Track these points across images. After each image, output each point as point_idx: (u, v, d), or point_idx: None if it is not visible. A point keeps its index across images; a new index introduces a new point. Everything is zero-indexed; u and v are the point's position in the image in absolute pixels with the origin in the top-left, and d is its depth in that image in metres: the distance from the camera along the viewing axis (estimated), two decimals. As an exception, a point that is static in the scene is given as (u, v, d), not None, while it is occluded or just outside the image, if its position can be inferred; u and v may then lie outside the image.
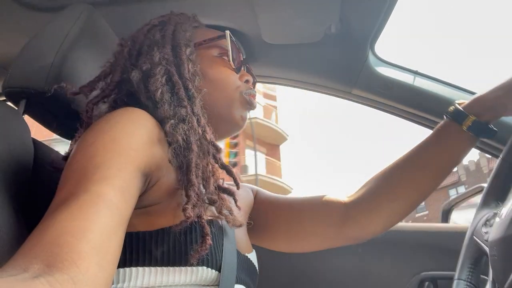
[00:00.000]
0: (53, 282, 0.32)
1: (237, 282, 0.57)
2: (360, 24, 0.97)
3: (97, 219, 0.40)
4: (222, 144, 0.62)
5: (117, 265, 0.42)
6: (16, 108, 0.69)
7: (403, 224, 1.11)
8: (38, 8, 0.95)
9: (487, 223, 0.60)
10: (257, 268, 0.68)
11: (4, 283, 0.31)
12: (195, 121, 0.58)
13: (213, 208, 0.58)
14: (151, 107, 0.59)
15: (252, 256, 0.67)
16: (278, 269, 1.08)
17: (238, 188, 0.67)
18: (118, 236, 0.43)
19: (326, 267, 1.10)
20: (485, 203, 0.65)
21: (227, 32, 0.71)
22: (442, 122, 0.70)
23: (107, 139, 0.49)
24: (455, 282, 0.63)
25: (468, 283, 0.62)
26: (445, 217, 1.45)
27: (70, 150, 0.60)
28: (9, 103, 0.70)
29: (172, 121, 0.56)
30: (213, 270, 0.53)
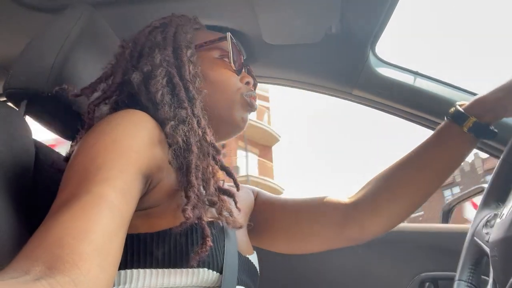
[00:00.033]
0: (54, 284, 0.33)
1: (238, 284, 0.57)
2: (361, 25, 0.97)
3: (98, 220, 0.40)
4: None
5: (118, 266, 0.42)
6: (17, 109, 0.69)
7: (403, 225, 1.11)
8: (39, 8, 0.95)
9: (487, 223, 0.60)
10: (258, 269, 0.68)
11: (6, 286, 0.31)
12: (195, 123, 0.58)
13: (213, 210, 0.58)
14: (152, 109, 0.59)
15: (253, 258, 0.67)
16: (278, 270, 1.08)
17: (238, 189, 0.67)
18: (120, 238, 0.43)
19: (326, 268, 1.10)
20: (485, 204, 0.65)
21: (228, 34, 0.72)
22: (442, 123, 0.70)
23: (108, 141, 0.49)
24: (455, 283, 0.63)
25: (469, 284, 0.62)
26: (446, 217, 1.45)
27: (72, 151, 0.60)
28: (10, 104, 0.70)
29: (172, 122, 0.56)
30: (214, 272, 0.53)
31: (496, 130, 0.67)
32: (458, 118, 0.67)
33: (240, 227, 0.61)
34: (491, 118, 0.66)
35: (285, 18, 0.95)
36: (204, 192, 0.56)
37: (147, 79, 0.62)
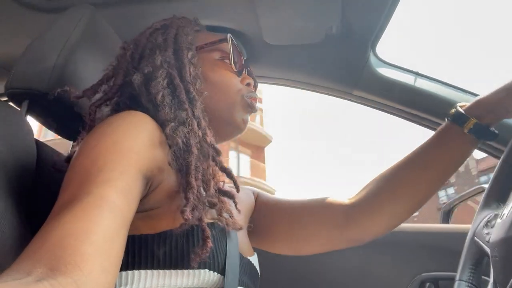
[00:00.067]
0: (56, 285, 0.33)
1: (239, 285, 0.57)
2: (362, 25, 0.97)
3: (100, 221, 0.40)
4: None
5: (120, 267, 0.42)
6: (19, 109, 0.69)
7: (403, 225, 1.11)
8: (40, 9, 0.96)
9: (488, 224, 0.60)
10: (258, 271, 0.68)
11: (8, 287, 0.31)
12: (196, 124, 0.58)
13: (213, 211, 0.58)
14: (152, 110, 0.59)
15: (254, 259, 0.67)
16: (279, 271, 1.08)
17: (238, 190, 0.67)
18: (121, 238, 0.43)
19: (327, 268, 1.10)
20: (486, 204, 0.65)
21: (229, 35, 0.72)
22: (443, 124, 0.70)
23: (109, 142, 0.49)
24: (456, 283, 0.63)
25: (469, 284, 0.62)
26: (446, 218, 1.45)
27: (73, 152, 0.61)
28: (11, 104, 0.70)
29: (173, 124, 0.56)
30: (216, 273, 0.53)
31: (497, 132, 0.67)
32: (459, 119, 0.67)
33: (240, 229, 0.61)
34: (491, 119, 0.66)
35: (286, 18, 0.95)
36: (204, 193, 0.56)
37: (147, 81, 0.62)
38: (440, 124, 0.71)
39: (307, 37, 1.01)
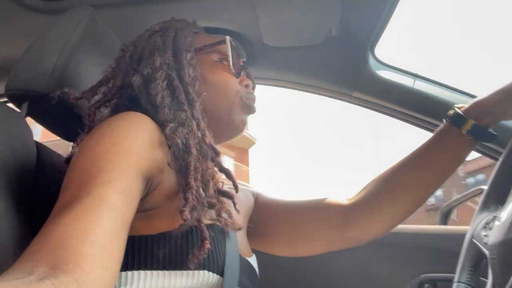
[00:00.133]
0: (57, 284, 0.33)
1: (239, 286, 0.57)
2: (361, 27, 0.97)
3: (100, 221, 0.41)
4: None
5: (120, 267, 0.42)
6: (19, 110, 0.69)
7: (403, 226, 1.11)
8: (40, 10, 0.96)
9: (486, 226, 0.61)
10: (257, 272, 0.68)
11: (10, 286, 0.31)
12: (195, 125, 0.58)
13: (212, 212, 0.58)
14: (152, 111, 0.60)
15: (253, 260, 0.67)
16: (278, 272, 1.08)
17: (237, 191, 0.67)
18: (121, 238, 0.43)
19: (326, 269, 1.10)
20: (484, 206, 0.65)
21: (227, 37, 0.72)
22: (441, 125, 0.70)
23: (109, 143, 0.50)
24: (454, 284, 0.63)
25: (467, 286, 0.62)
26: (444, 219, 1.45)
27: (72, 153, 0.61)
28: (11, 105, 0.70)
29: (172, 124, 0.57)
30: (215, 274, 0.53)
31: (495, 133, 0.67)
32: (457, 120, 0.67)
33: (239, 229, 0.61)
34: (490, 120, 0.66)
35: (286, 20, 0.95)
36: (203, 194, 0.56)
37: (147, 82, 0.62)
38: (439, 126, 0.72)
39: (306, 39, 1.01)
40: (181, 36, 0.69)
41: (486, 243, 0.56)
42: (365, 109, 1.14)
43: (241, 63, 0.76)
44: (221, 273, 0.54)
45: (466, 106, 0.68)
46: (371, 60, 1.05)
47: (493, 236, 0.53)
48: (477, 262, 0.62)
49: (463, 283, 0.62)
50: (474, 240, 0.62)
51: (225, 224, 0.58)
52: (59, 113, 0.72)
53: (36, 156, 0.64)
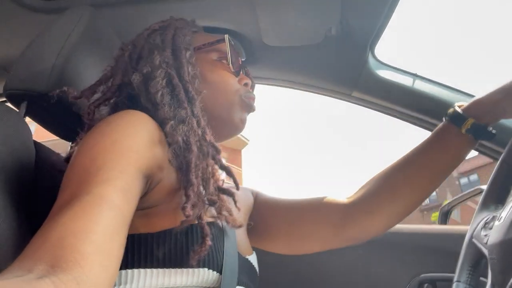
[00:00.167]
0: (57, 282, 0.33)
1: (238, 284, 0.57)
2: (360, 27, 0.97)
3: (99, 220, 0.40)
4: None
5: (119, 265, 0.42)
6: (18, 110, 0.69)
7: (402, 226, 1.11)
8: (39, 9, 0.96)
9: (486, 225, 0.60)
10: (257, 270, 0.69)
11: (9, 284, 0.31)
12: (195, 123, 0.59)
13: (212, 210, 0.58)
14: (152, 109, 0.60)
15: (253, 258, 0.68)
16: (278, 271, 1.08)
17: (237, 189, 0.67)
18: (121, 237, 0.43)
19: (326, 269, 1.10)
20: (484, 206, 0.65)
21: (226, 36, 0.72)
22: (441, 124, 0.70)
23: (108, 142, 0.49)
24: (454, 284, 0.63)
25: (467, 286, 0.62)
26: (444, 219, 1.45)
27: (72, 152, 0.61)
28: (10, 105, 0.70)
29: (172, 122, 0.57)
30: (215, 272, 0.53)
31: (494, 132, 0.67)
32: (457, 119, 0.67)
33: (240, 226, 0.61)
34: (489, 119, 0.66)
35: (285, 19, 0.95)
36: (203, 191, 0.56)
37: (146, 80, 0.62)
38: (438, 125, 0.72)
39: (306, 38, 1.01)
40: (180, 34, 0.69)
41: (485, 243, 0.56)
42: (365, 108, 1.14)
43: (240, 62, 0.76)
44: (220, 271, 0.54)
45: (465, 104, 0.68)
46: (371, 60, 1.05)
47: (493, 236, 0.53)
48: (477, 262, 0.62)
49: (463, 282, 0.62)
50: (474, 240, 0.62)
51: (226, 221, 0.58)
52: (58, 113, 0.72)
53: (35, 156, 0.64)
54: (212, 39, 0.73)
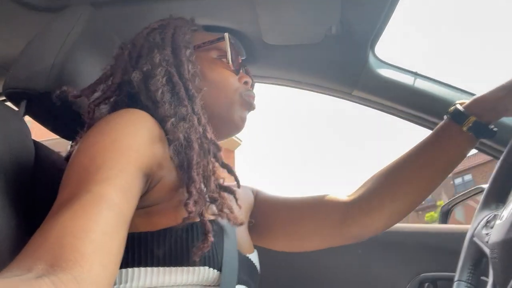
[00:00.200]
0: (56, 281, 0.33)
1: (238, 283, 0.57)
2: (361, 25, 0.97)
3: (99, 219, 0.40)
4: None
5: (119, 264, 0.42)
6: (17, 109, 0.69)
7: (403, 225, 1.11)
8: (39, 8, 0.95)
9: (487, 224, 0.60)
10: (258, 268, 0.68)
11: (8, 283, 0.31)
12: (196, 120, 0.59)
13: (213, 207, 0.58)
14: (152, 107, 0.60)
15: (254, 257, 0.67)
16: (279, 269, 1.08)
17: (238, 186, 0.67)
18: (121, 236, 0.43)
19: (326, 267, 1.10)
20: (485, 204, 0.65)
21: (226, 34, 0.72)
22: (442, 122, 0.70)
23: (108, 140, 0.49)
24: (455, 283, 0.63)
25: (468, 285, 0.62)
26: (444, 218, 1.45)
27: (72, 151, 0.61)
28: (9, 104, 0.70)
29: (173, 119, 0.57)
30: (215, 270, 0.53)
31: (495, 129, 0.67)
32: (458, 117, 0.67)
33: (241, 224, 0.61)
34: (491, 117, 0.66)
35: (285, 18, 0.95)
36: (204, 189, 0.56)
37: (146, 78, 0.62)
38: (439, 123, 0.71)
39: (306, 37, 1.01)
40: (180, 33, 0.69)
41: (487, 242, 0.56)
42: (365, 107, 1.13)
43: (240, 61, 0.76)
44: (220, 269, 0.54)
45: (467, 102, 0.68)
46: (371, 59, 1.05)
47: (494, 234, 0.53)
48: (478, 261, 0.62)
49: (464, 281, 0.62)
50: (475, 239, 0.61)
51: (228, 219, 0.58)
52: (58, 111, 0.72)
53: (34, 155, 0.64)
54: (212, 38, 0.73)
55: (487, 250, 0.55)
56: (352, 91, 1.09)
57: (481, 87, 0.70)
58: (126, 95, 0.66)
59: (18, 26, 1.01)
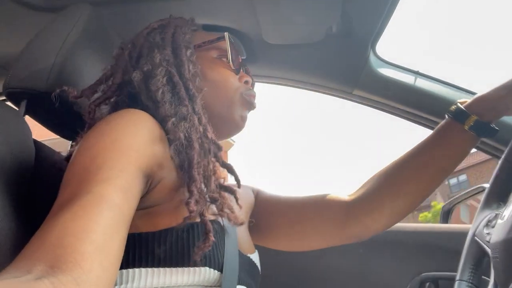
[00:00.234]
0: (56, 283, 0.33)
1: (239, 283, 0.57)
2: (362, 24, 0.97)
3: (99, 219, 0.40)
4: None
5: (120, 265, 0.42)
6: (17, 109, 0.69)
7: (404, 225, 1.11)
8: (39, 8, 0.95)
9: (488, 224, 0.60)
10: (259, 268, 0.68)
11: (8, 285, 0.31)
12: (196, 120, 0.59)
13: (214, 207, 0.58)
14: (152, 107, 0.60)
15: (255, 257, 0.67)
16: (279, 268, 1.08)
17: (239, 186, 0.67)
18: (121, 236, 0.43)
19: (327, 267, 1.10)
20: (486, 204, 0.65)
21: (226, 33, 0.72)
22: (443, 121, 0.70)
23: (108, 141, 0.49)
24: (456, 283, 0.63)
25: (469, 284, 0.62)
26: (445, 217, 1.45)
27: (72, 151, 0.61)
28: (9, 104, 0.70)
29: (173, 119, 0.57)
30: (216, 271, 0.53)
31: (497, 128, 0.67)
32: (459, 116, 0.67)
33: (242, 224, 0.61)
34: (492, 116, 0.66)
35: (286, 17, 0.94)
36: (205, 188, 0.56)
37: (147, 78, 0.62)
38: (440, 122, 0.71)
39: (307, 36, 1.01)
40: (180, 33, 0.69)
41: (488, 241, 0.56)
42: (366, 107, 1.13)
43: (240, 60, 0.76)
44: (221, 270, 0.54)
45: (468, 101, 0.68)
46: (372, 58, 1.05)
47: (496, 234, 0.53)
48: (479, 260, 0.62)
49: (465, 281, 0.62)
50: (476, 238, 0.61)
51: (228, 219, 0.58)
52: (58, 111, 0.71)
53: (34, 155, 0.63)
54: (212, 37, 0.73)
55: (488, 250, 0.55)
56: (353, 90, 1.09)
57: (482, 86, 0.70)
58: (126, 95, 0.65)
59: (18, 26, 1.00)
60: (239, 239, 0.62)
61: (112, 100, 0.66)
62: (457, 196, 1.46)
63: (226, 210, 0.59)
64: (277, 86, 1.19)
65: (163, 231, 0.52)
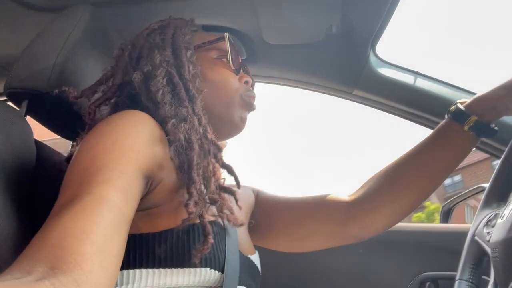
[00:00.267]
0: (57, 284, 0.33)
1: (240, 284, 0.57)
2: (362, 24, 0.97)
3: (100, 220, 0.40)
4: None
5: (120, 265, 0.42)
6: (18, 109, 0.69)
7: (404, 225, 1.11)
8: (40, 8, 0.95)
9: (488, 223, 0.60)
10: (259, 269, 0.68)
11: (8, 286, 0.31)
12: (196, 121, 0.58)
13: (214, 208, 0.58)
14: (152, 108, 0.60)
15: (255, 258, 0.67)
16: (279, 269, 1.08)
17: (239, 187, 0.67)
18: (121, 237, 0.43)
19: (327, 267, 1.10)
20: (486, 203, 0.65)
21: (226, 34, 0.72)
22: (443, 121, 0.70)
23: (108, 142, 0.49)
24: (456, 282, 0.63)
25: (469, 283, 0.62)
26: (445, 217, 1.45)
27: (73, 152, 0.61)
28: (11, 104, 0.70)
29: (173, 120, 0.57)
30: (216, 271, 0.53)
31: (496, 128, 0.67)
32: (459, 116, 0.67)
33: (241, 225, 0.61)
34: (492, 116, 0.66)
35: (286, 18, 0.94)
36: (204, 190, 0.56)
37: (147, 79, 0.62)
38: (440, 123, 0.71)
39: (307, 36, 1.01)
40: (180, 34, 0.69)
41: (488, 241, 0.56)
42: (366, 107, 1.13)
43: (240, 60, 0.76)
44: (222, 270, 0.54)
45: (467, 101, 0.68)
46: (372, 58, 1.05)
47: (496, 234, 0.53)
48: (479, 260, 0.62)
49: (465, 280, 0.62)
50: (476, 238, 0.61)
51: (228, 220, 0.58)
52: (59, 111, 0.72)
53: (36, 155, 0.64)
54: (212, 38, 0.73)
55: (488, 249, 0.55)
56: (353, 90, 1.09)
57: (482, 86, 0.70)
58: (126, 96, 0.66)
59: (19, 26, 1.01)
60: (239, 240, 0.62)
61: (112, 101, 0.66)
62: (457, 196, 1.46)
63: (226, 211, 0.59)
64: (277, 86, 1.19)
65: (164, 232, 0.52)
